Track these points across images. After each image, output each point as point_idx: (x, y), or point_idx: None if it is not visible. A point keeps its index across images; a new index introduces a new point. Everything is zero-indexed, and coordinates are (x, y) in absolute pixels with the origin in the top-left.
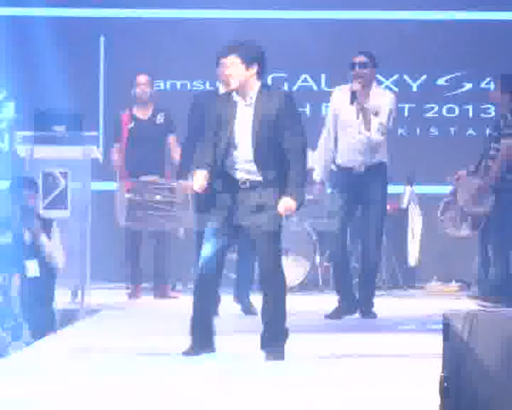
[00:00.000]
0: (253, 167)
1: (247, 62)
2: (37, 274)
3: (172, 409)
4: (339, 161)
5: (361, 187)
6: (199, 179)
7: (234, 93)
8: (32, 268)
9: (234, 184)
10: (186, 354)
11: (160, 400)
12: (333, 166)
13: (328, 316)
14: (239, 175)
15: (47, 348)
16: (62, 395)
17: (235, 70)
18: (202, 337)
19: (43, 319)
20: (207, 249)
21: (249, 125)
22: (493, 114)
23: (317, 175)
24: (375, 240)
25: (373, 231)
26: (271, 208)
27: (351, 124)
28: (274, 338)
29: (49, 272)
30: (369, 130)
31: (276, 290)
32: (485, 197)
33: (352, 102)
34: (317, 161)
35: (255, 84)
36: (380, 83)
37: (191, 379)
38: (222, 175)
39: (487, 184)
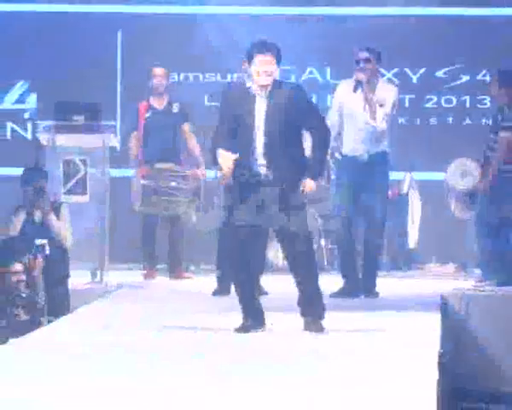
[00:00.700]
0: (264, 161)
1: (278, 61)
2: (47, 252)
3: (172, 409)
4: (344, 150)
5: (365, 175)
6: (227, 161)
7: (253, 86)
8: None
9: (253, 178)
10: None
11: (159, 399)
12: (337, 155)
13: (333, 295)
14: (257, 168)
15: (63, 328)
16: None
17: (273, 68)
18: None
19: (56, 297)
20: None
21: (263, 116)
22: (489, 104)
23: None
24: (378, 225)
25: (376, 216)
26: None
27: (356, 114)
28: (317, 314)
29: (61, 251)
30: (374, 119)
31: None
32: (472, 174)
33: (355, 91)
34: None
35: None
36: (382, 75)
37: (191, 379)
38: (242, 168)
39: (487, 179)
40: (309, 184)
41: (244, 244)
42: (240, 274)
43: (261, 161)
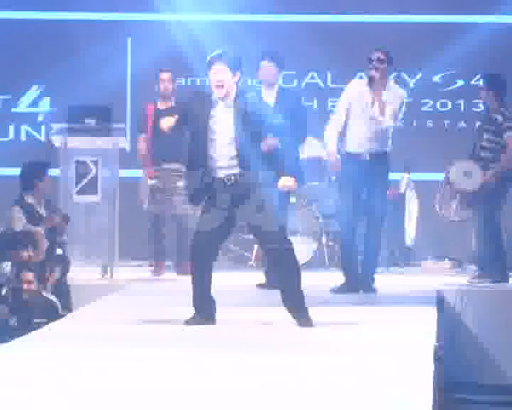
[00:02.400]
0: (236, 163)
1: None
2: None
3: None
4: (347, 148)
5: (366, 174)
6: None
7: (214, 94)
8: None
9: (219, 182)
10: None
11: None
12: (338, 156)
13: (334, 291)
14: (223, 173)
15: (75, 322)
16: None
17: (226, 76)
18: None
19: (60, 295)
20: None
21: (231, 124)
22: (482, 107)
23: (331, 145)
24: (378, 224)
25: (376, 215)
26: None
27: (363, 111)
28: (302, 311)
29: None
30: (383, 114)
31: (291, 271)
32: (475, 175)
33: (368, 85)
34: (328, 139)
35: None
36: None
37: (190, 377)
38: (208, 173)
39: (496, 173)
40: (287, 181)
41: (211, 242)
42: (202, 268)
43: (223, 163)
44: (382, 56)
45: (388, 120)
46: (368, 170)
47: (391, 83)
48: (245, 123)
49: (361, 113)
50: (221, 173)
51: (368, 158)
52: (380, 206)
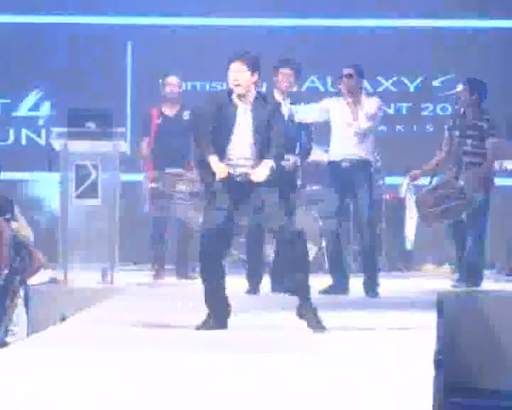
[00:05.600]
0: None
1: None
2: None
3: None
4: (330, 157)
5: (347, 180)
6: (220, 167)
7: (234, 96)
8: None
9: (235, 181)
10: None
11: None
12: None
13: (321, 292)
14: (240, 172)
15: (79, 323)
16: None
17: (243, 75)
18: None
19: None
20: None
21: (250, 125)
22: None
23: None
24: (366, 229)
25: (362, 221)
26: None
27: (338, 122)
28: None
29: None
30: (356, 119)
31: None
32: (482, 185)
33: (339, 96)
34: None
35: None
36: (380, 84)
37: (190, 379)
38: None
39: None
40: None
41: (221, 242)
42: (213, 271)
43: (241, 162)
44: (351, 72)
45: (364, 122)
46: (349, 177)
47: (363, 96)
48: (264, 131)
49: (336, 123)
50: (236, 171)
51: (348, 165)
52: (365, 212)
